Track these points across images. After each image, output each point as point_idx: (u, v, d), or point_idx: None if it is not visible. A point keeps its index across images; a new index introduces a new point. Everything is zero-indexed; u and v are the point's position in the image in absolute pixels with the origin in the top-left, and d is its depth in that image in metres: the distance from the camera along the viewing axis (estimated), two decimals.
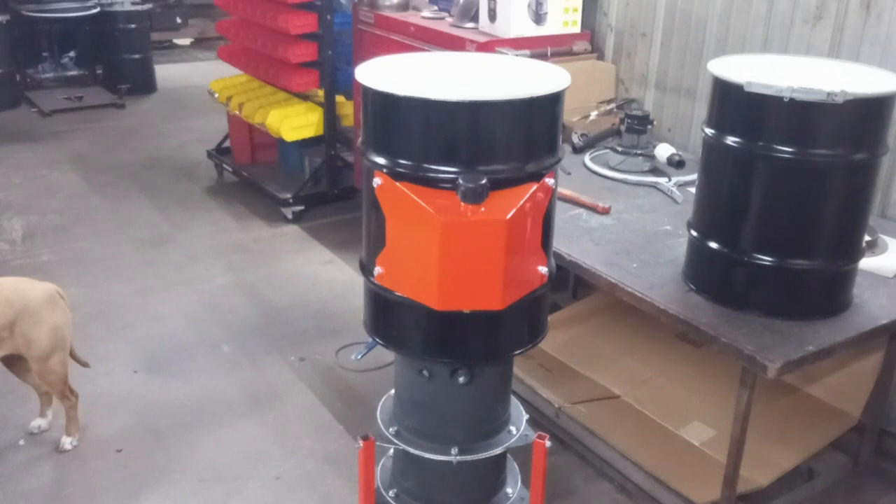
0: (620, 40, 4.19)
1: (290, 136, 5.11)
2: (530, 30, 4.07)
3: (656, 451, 2.96)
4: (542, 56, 3.95)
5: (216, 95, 5.81)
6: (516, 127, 1.76)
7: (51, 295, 2.98)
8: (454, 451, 2.01)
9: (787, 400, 3.13)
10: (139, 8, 8.28)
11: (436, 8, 4.68)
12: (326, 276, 4.62)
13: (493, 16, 4.09)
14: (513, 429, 2.13)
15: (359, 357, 3.59)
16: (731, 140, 2.43)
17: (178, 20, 10.28)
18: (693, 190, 2.82)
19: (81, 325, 3.57)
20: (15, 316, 2.88)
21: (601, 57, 4.27)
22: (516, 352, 1.99)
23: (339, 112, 5.31)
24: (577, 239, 2.96)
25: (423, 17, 4.53)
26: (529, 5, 4.02)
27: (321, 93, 5.23)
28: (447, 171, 1.71)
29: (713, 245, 2.55)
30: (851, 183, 2.40)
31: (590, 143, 3.76)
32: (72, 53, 8.22)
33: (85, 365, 3.24)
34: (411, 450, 2.05)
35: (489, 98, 1.72)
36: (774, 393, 3.11)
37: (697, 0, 3.76)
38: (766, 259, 2.43)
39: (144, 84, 8.26)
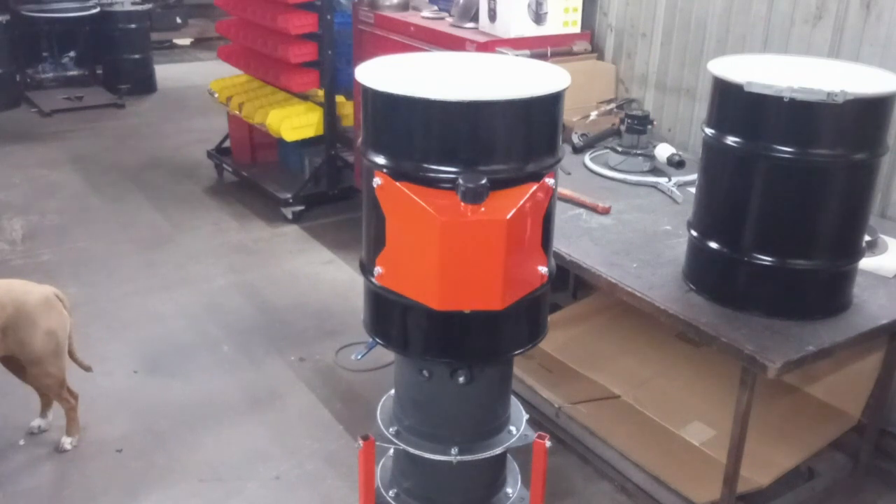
0: (620, 40, 4.19)
1: (290, 136, 5.12)
2: (530, 30, 4.07)
3: (656, 451, 2.96)
4: (542, 56, 3.95)
5: (216, 95, 5.81)
6: (516, 127, 1.76)
7: (47, 298, 2.97)
8: (454, 451, 2.01)
9: (787, 400, 3.13)
10: (139, 8, 8.28)
11: (436, 8, 4.68)
12: (326, 276, 4.62)
13: (493, 16, 4.09)
14: (513, 429, 2.12)
15: (359, 357, 3.59)
16: (731, 140, 2.43)
17: (178, 20, 10.28)
18: (693, 190, 2.82)
19: (81, 326, 3.57)
20: (7, 318, 2.87)
21: (601, 57, 4.27)
22: (516, 352, 1.98)
23: (339, 112, 5.31)
24: (577, 239, 2.96)
25: (423, 17, 4.53)
26: (529, 5, 4.02)
27: (321, 93, 5.23)
28: (447, 171, 1.71)
29: (713, 245, 2.55)
30: (851, 183, 2.40)
31: (590, 143, 3.76)
32: (72, 53, 8.21)
33: (87, 369, 3.22)
34: (411, 450, 2.05)
35: (489, 98, 1.72)
36: (774, 393, 3.11)
37: (697, 0, 3.76)
38: (766, 259, 2.43)
39: (144, 84, 8.26)
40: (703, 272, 2.63)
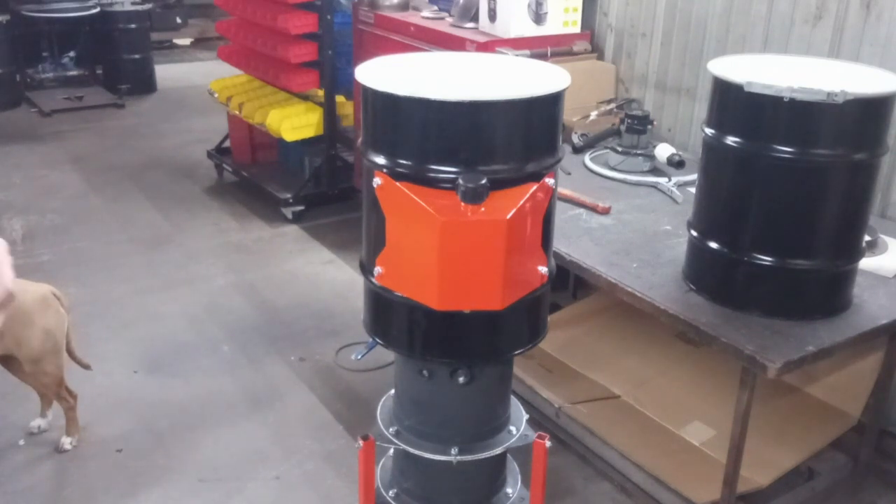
0: (620, 40, 4.19)
1: (290, 136, 5.12)
2: (530, 30, 4.07)
3: (656, 451, 2.96)
4: (542, 56, 3.95)
5: (216, 95, 5.81)
6: (516, 127, 1.76)
7: (44, 297, 2.97)
8: (454, 451, 2.01)
9: (787, 400, 3.13)
10: (139, 8, 8.28)
11: (436, 8, 4.68)
12: (326, 276, 4.62)
13: (493, 16, 4.09)
14: (513, 429, 2.12)
15: (359, 357, 3.59)
16: (731, 140, 2.43)
17: (178, 20, 10.28)
18: (693, 190, 2.82)
19: (81, 325, 3.57)
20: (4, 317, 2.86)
21: (601, 57, 4.27)
22: (516, 352, 1.98)
23: (339, 112, 5.31)
24: (577, 239, 2.96)
25: (423, 17, 4.53)
26: (529, 5, 4.02)
27: (321, 93, 5.23)
28: (447, 171, 1.71)
29: (713, 245, 2.55)
30: (851, 183, 2.39)
31: (590, 143, 3.76)
32: (72, 53, 8.22)
33: (87, 367, 3.23)
34: (411, 450, 2.05)
35: (489, 98, 1.71)
36: (774, 393, 3.11)
37: (697, 0, 3.76)
38: (766, 259, 2.43)
39: (144, 84, 8.26)
40: (703, 272, 2.63)
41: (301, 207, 5.31)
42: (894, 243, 2.90)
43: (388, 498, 2.18)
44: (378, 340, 1.98)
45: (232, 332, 4.01)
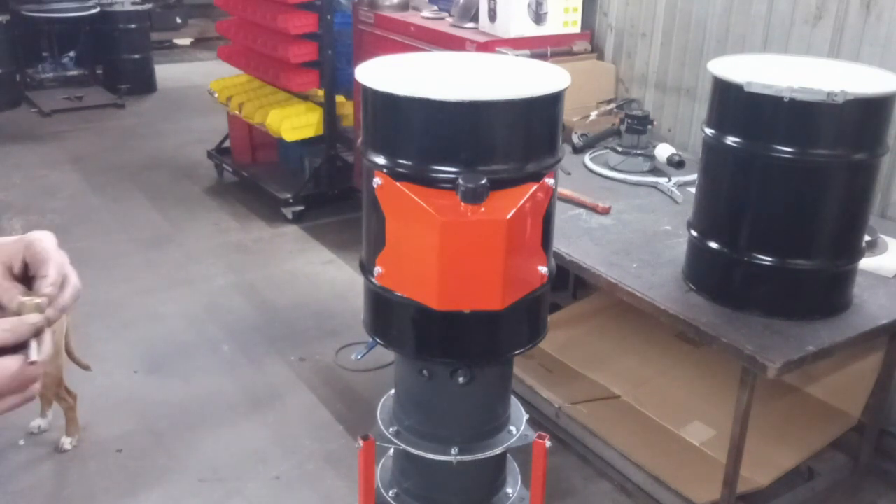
0: (620, 40, 4.19)
1: (290, 136, 5.12)
2: (530, 30, 4.07)
3: (656, 451, 2.96)
4: (542, 56, 3.95)
5: (216, 95, 5.80)
6: (516, 127, 1.76)
7: None
8: (454, 451, 2.01)
9: (787, 400, 3.13)
10: (139, 8, 8.28)
11: (436, 8, 4.68)
12: (326, 276, 4.62)
13: (493, 16, 4.09)
14: (513, 429, 2.12)
15: (359, 357, 3.59)
16: (731, 140, 2.43)
17: (178, 20, 10.28)
18: (693, 190, 2.82)
19: (81, 325, 3.57)
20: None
21: (601, 57, 4.27)
22: (516, 352, 1.98)
23: (339, 112, 5.31)
24: (577, 239, 2.96)
25: (423, 17, 4.53)
26: (529, 5, 4.02)
27: (321, 93, 5.23)
28: (447, 171, 1.70)
29: (713, 245, 2.55)
30: (851, 183, 2.40)
31: (590, 143, 3.76)
32: (72, 53, 8.21)
33: (86, 368, 3.23)
34: (411, 450, 2.05)
35: (489, 98, 1.71)
36: (774, 393, 3.11)
37: (697, 0, 3.76)
38: (766, 259, 2.43)
39: (144, 84, 8.25)
40: (703, 272, 2.63)
41: (301, 207, 5.31)
42: (894, 243, 2.90)
43: (388, 498, 2.18)
44: (378, 340, 1.98)
45: (232, 332, 4.01)
